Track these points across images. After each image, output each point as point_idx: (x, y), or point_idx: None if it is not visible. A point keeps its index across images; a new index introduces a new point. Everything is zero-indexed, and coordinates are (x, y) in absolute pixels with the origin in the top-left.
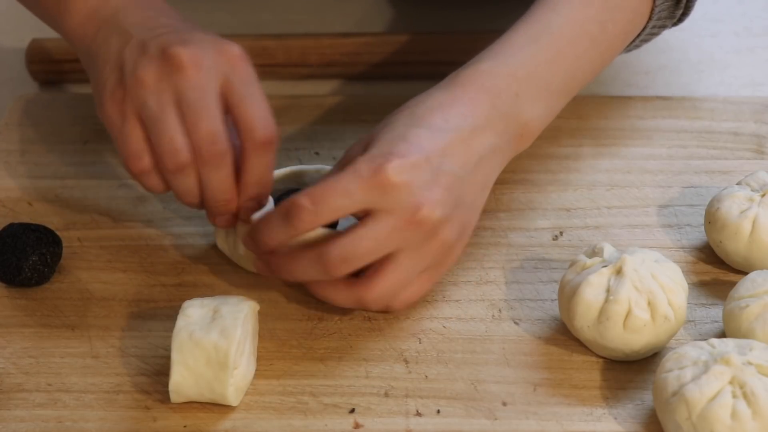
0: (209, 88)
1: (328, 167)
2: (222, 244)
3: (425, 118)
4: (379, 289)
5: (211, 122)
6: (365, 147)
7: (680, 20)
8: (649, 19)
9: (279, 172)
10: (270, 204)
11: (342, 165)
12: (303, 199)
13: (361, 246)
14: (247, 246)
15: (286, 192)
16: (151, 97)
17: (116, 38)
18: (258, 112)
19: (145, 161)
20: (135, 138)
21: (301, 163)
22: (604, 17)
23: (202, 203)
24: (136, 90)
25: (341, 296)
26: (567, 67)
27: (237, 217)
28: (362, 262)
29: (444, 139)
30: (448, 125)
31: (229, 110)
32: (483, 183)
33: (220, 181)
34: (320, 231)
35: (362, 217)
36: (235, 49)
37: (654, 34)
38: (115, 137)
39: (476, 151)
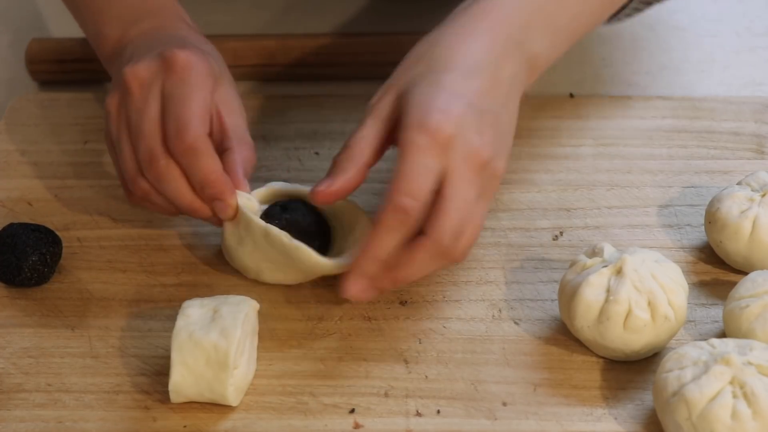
0: (151, 106)
1: (306, 187)
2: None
3: (451, 59)
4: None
5: (148, 141)
6: (396, 99)
7: None
8: None
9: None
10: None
11: (372, 116)
12: (404, 200)
13: (460, 214)
14: (354, 288)
15: (273, 205)
16: (113, 126)
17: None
18: (171, 121)
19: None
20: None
21: (301, 163)
22: None
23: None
24: (106, 118)
25: (426, 261)
26: (572, 6)
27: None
28: (465, 226)
29: (476, 78)
30: (474, 60)
31: None
32: (512, 111)
33: (173, 191)
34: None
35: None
36: (177, 56)
37: (639, 10)
38: None
39: (503, 83)
